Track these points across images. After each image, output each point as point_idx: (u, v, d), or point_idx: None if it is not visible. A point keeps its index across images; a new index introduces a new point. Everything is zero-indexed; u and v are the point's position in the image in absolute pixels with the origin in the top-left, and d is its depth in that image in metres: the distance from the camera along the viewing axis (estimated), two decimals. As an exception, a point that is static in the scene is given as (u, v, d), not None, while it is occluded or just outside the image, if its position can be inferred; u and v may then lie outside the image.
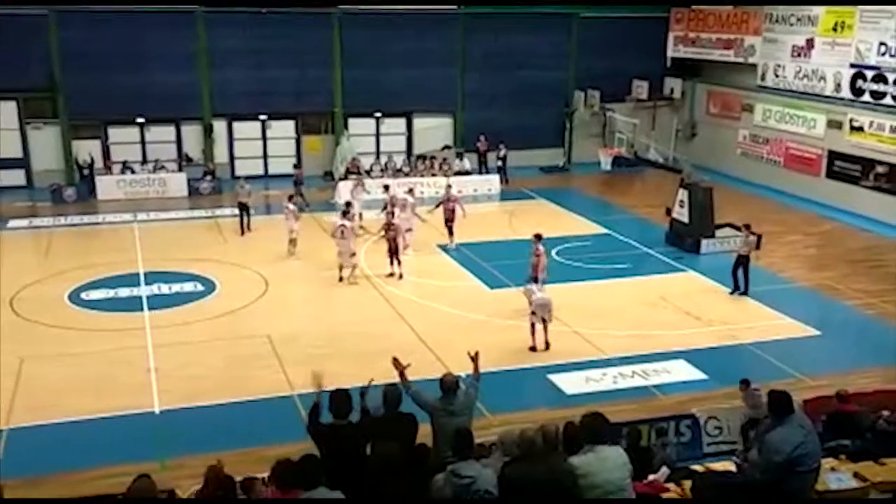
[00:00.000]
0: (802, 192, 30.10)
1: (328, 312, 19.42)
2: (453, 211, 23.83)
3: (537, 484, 6.62)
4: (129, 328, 18.20)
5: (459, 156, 33.10)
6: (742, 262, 20.49)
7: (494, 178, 31.89)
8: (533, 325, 17.05)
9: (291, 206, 23.27)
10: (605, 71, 34.16)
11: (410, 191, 24.66)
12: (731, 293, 20.40)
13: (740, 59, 32.77)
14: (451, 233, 23.94)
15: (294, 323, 18.63)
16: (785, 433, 7.41)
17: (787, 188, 30.80)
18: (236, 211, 25.83)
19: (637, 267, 22.72)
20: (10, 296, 19.90)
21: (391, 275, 21.41)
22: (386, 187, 25.01)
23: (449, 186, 24.98)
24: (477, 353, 8.51)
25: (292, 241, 23.08)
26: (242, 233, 25.32)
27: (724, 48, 33.46)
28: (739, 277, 20.45)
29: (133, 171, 30.65)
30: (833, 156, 29.47)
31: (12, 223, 26.71)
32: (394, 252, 21.46)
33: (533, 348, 17.00)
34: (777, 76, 31.44)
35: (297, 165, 30.51)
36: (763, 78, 32.06)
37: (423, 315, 19.04)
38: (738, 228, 24.96)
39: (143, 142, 31.77)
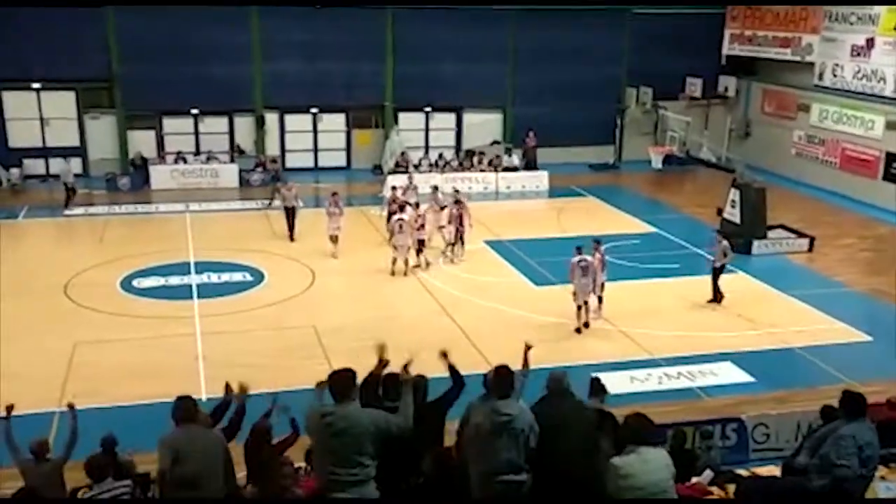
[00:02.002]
0: (858, 194, 29.48)
1: (373, 305, 19.53)
2: (461, 218, 22.42)
3: (564, 420, 6.80)
4: (178, 316, 18.51)
5: (508, 151, 33.02)
6: (717, 272, 19.57)
7: (543, 175, 31.75)
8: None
9: (332, 207, 22.64)
10: (658, 68, 33.73)
11: (458, 202, 22.84)
12: (710, 301, 19.56)
13: (797, 58, 32.14)
14: (462, 242, 22.55)
15: (339, 315, 18.77)
16: (856, 429, 7.37)
17: (842, 190, 30.20)
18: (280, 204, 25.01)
19: (686, 267, 22.45)
20: (64, 282, 20.35)
21: (417, 265, 21.67)
22: (434, 188, 24.71)
23: (456, 191, 23.85)
24: (529, 346, 8.30)
25: (332, 239, 22.61)
26: (292, 238, 23.99)
27: (780, 46, 32.85)
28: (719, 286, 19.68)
29: (186, 162, 31.13)
30: (891, 158, 28.81)
31: (68, 210, 27.31)
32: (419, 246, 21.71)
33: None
34: (835, 76, 30.78)
35: (275, 160, 30.23)
36: (820, 77, 31.41)
37: (468, 310, 19.07)
38: (791, 231, 24.67)
39: (196, 133, 32.23)
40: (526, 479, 6.87)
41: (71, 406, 9.51)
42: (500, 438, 6.83)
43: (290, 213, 24.27)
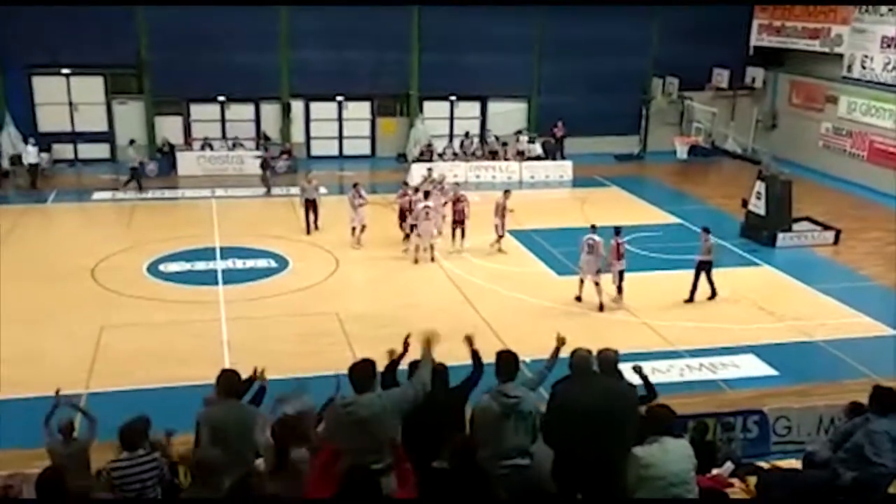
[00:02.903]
0: (886, 187, 29.14)
1: (396, 293, 19.63)
2: (463, 212, 22.15)
3: (589, 404, 6.76)
4: (203, 301, 18.72)
5: (532, 141, 32.98)
6: (704, 267, 18.99)
7: (567, 164, 31.70)
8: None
9: (354, 196, 22.33)
10: (684, 58, 33.50)
11: (458, 200, 22.47)
12: (687, 301, 19.02)
13: (826, 49, 31.78)
14: (462, 235, 22.29)
15: (362, 302, 18.90)
16: (888, 425, 7.38)
17: (869, 183, 29.88)
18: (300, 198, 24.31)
19: (710, 259, 22.35)
20: (92, 266, 20.61)
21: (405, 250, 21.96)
22: (429, 170, 24.74)
23: (456, 184, 23.41)
24: (563, 341, 8.18)
25: (354, 231, 22.49)
26: (308, 231, 23.54)
27: (809, 37, 32.47)
28: (700, 284, 19.11)
29: (212, 149, 31.35)
30: (920, 151, 28.51)
31: (97, 195, 27.63)
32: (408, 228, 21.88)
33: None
34: (864, 67, 30.42)
35: (266, 147, 30.07)
36: (849, 69, 31.05)
37: (490, 299, 19.13)
38: (817, 223, 24.48)
39: (223, 120, 32.44)
40: (531, 463, 6.94)
41: (58, 392, 9.52)
42: (507, 421, 6.92)
43: (311, 206, 23.61)
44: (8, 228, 23.52)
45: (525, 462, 6.94)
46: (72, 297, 18.80)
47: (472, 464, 6.17)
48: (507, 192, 22.77)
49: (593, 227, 18.97)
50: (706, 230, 19.15)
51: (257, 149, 31.65)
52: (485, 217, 22.47)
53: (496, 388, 7.05)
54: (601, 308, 18.53)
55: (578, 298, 19.00)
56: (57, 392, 9.37)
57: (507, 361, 7.16)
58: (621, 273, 18.75)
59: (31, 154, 27.88)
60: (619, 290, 18.80)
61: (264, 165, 28.44)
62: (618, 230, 18.93)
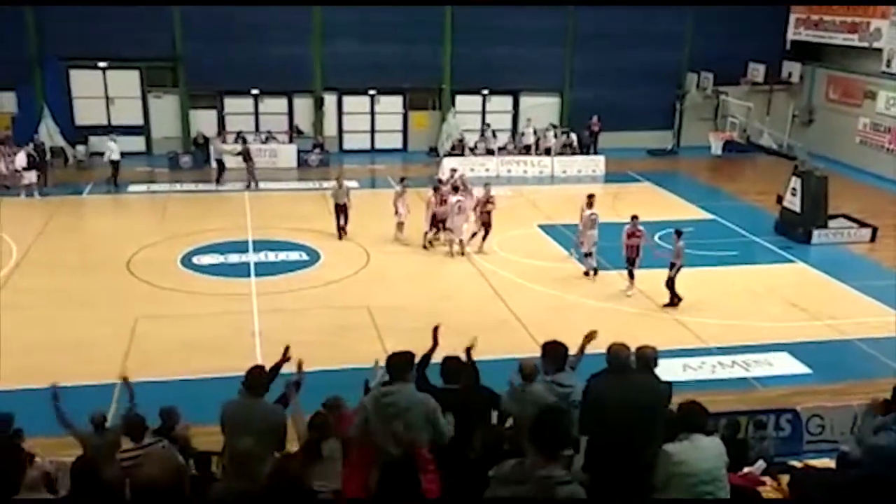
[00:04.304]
0: (925, 184, 28.75)
1: (426, 287, 19.67)
2: (490, 213, 21.68)
3: (622, 399, 6.73)
4: (236, 293, 18.88)
5: (566, 134, 32.82)
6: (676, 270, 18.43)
7: (599, 159, 31.53)
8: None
9: (400, 189, 22.41)
10: (719, 52, 33.15)
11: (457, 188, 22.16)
12: (666, 306, 18.51)
13: (864, 44, 31.29)
14: (484, 237, 21.90)
15: (393, 295, 18.94)
16: None
17: (908, 180, 29.46)
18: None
19: (743, 255, 22.16)
20: (127, 257, 20.87)
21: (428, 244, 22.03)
22: (453, 170, 24.62)
23: (487, 185, 22.56)
24: (591, 336, 8.18)
25: (402, 226, 22.42)
26: (340, 237, 22.74)
27: (847, 31, 32.00)
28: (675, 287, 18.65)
29: (245, 142, 31.51)
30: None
31: (132, 188, 27.95)
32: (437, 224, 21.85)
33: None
34: (904, 62, 29.96)
35: (245, 140, 29.51)
36: (888, 64, 30.55)
37: (521, 294, 19.11)
38: (854, 220, 24.14)
39: (256, 113, 32.65)
40: (573, 454, 6.96)
41: (125, 379, 9.82)
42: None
43: (341, 211, 22.65)
44: (46, 220, 23.87)
45: (568, 452, 6.96)
46: (108, 287, 19.04)
47: (501, 453, 6.20)
48: (487, 185, 22.52)
49: (590, 197, 20.43)
50: (678, 233, 18.53)
51: (291, 141, 31.88)
52: (515, 212, 22.41)
53: (549, 378, 7.07)
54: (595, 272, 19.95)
55: (587, 273, 20.10)
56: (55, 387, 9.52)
57: (555, 352, 7.19)
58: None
59: (113, 151, 27.91)
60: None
61: (246, 157, 28.22)
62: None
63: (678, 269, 18.37)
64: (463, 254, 21.53)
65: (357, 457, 6.60)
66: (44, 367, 13.84)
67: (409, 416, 6.43)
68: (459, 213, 21.27)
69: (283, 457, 6.79)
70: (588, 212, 20.05)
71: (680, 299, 18.50)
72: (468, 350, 8.17)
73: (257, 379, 7.45)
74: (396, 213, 22.43)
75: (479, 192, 22.28)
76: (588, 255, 20.07)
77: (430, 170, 30.04)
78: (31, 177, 26.25)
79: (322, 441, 7.40)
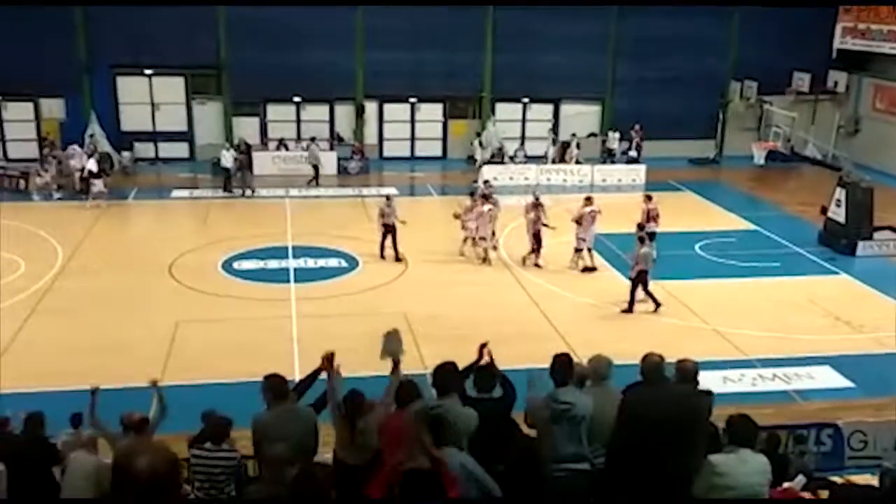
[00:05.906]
0: (974, 196, 28.07)
1: (464, 295, 19.65)
2: (539, 228, 21.31)
3: (660, 412, 6.60)
4: (275, 298, 19.06)
5: (604, 143, 32.66)
6: (642, 278, 18.20)
7: (640, 168, 31.31)
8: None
9: (480, 205, 21.40)
10: (764, 61, 32.81)
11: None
12: (655, 310, 18.27)
13: (913, 53, 30.76)
14: (536, 249, 21.48)
15: (430, 303, 18.97)
16: None
17: (957, 192, 28.79)
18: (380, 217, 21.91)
19: (786, 267, 21.85)
20: (169, 262, 21.16)
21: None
22: (486, 182, 24.59)
23: (535, 196, 22.17)
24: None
25: (467, 241, 21.77)
26: (382, 256, 21.66)
27: (895, 41, 31.47)
28: (651, 294, 18.42)
29: (287, 149, 31.85)
30: None
31: (175, 193, 28.34)
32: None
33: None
34: (954, 71, 29.37)
35: (243, 151, 29.13)
36: (938, 73, 30.01)
37: (558, 302, 19.05)
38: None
39: (298, 120, 32.95)
40: (589, 469, 6.90)
41: (155, 383, 9.94)
42: (558, 426, 6.93)
43: (389, 232, 21.53)
44: (91, 224, 24.30)
45: (582, 467, 6.91)
46: (150, 291, 19.34)
47: (532, 466, 6.19)
48: (472, 193, 22.60)
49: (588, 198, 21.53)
50: (641, 239, 18.49)
51: (332, 149, 32.10)
52: (555, 222, 22.32)
53: (550, 392, 7.06)
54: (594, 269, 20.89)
55: (586, 270, 21.02)
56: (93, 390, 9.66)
57: (562, 365, 7.16)
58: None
59: (227, 158, 28.31)
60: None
61: (240, 167, 28.34)
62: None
63: (643, 274, 18.13)
64: (485, 260, 21.45)
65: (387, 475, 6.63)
66: (85, 370, 14.06)
67: (455, 430, 6.47)
68: (490, 221, 21.27)
69: (309, 463, 6.83)
70: (588, 209, 20.93)
71: (658, 305, 18.34)
72: (489, 354, 8.11)
73: (280, 386, 7.47)
74: (464, 227, 21.77)
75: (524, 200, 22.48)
76: (588, 251, 21.10)
77: (468, 177, 30.02)
78: (100, 184, 26.39)
79: (356, 421, 7.51)
